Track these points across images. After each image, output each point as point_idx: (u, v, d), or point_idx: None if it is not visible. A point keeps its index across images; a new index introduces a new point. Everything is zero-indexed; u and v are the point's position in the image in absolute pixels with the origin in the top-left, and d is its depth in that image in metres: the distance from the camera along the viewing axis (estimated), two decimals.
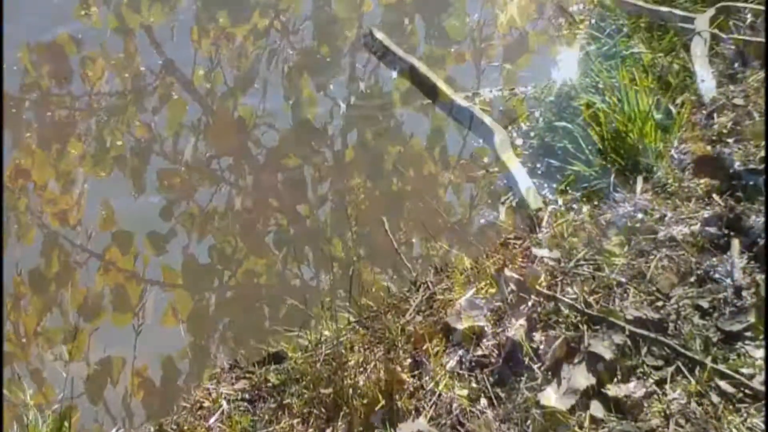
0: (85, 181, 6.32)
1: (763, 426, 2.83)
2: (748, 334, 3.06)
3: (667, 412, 2.96)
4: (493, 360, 3.35)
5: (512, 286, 3.56)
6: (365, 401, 3.48)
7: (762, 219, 3.54)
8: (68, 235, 5.99)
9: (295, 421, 3.63)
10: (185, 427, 3.94)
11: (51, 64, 7.40)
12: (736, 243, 3.44)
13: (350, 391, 3.48)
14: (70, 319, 5.26)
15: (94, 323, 5.31)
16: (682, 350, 3.02)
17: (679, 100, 5.78)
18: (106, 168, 6.45)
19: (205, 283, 6.73)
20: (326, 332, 4.12)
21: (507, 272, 3.59)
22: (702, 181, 4.02)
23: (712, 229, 3.54)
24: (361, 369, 3.54)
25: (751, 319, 3.09)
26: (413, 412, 3.37)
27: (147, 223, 6.09)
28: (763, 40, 5.12)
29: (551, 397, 3.10)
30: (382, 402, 3.43)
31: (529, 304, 3.48)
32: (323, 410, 3.60)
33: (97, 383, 4.88)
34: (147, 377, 5.28)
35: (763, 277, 3.27)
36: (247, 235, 7.24)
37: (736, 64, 5.15)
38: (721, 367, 2.95)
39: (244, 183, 7.53)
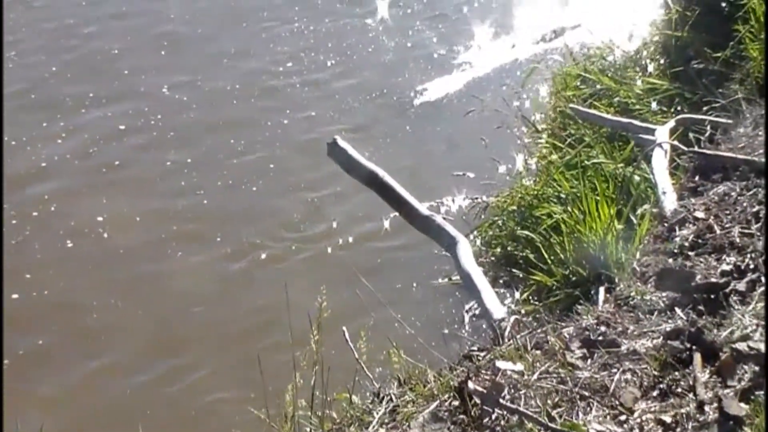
0: None
1: None
2: None
3: None
4: None
5: (476, 399, 3.54)
6: None
7: (724, 333, 3.55)
8: None
9: None
10: None
11: None
12: (698, 357, 3.45)
13: None
14: None
15: None
16: None
17: (640, 211, 5.83)
18: None
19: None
20: None
21: (470, 385, 3.57)
22: (664, 294, 4.03)
23: (675, 343, 3.54)
24: None
25: None
26: None
27: None
28: (723, 153, 5.19)
29: None
30: None
31: (493, 417, 3.46)
32: None
33: None
34: None
35: (724, 391, 3.28)
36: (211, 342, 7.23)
37: (696, 177, 5.21)
38: None
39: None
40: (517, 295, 6.57)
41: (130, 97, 10.33)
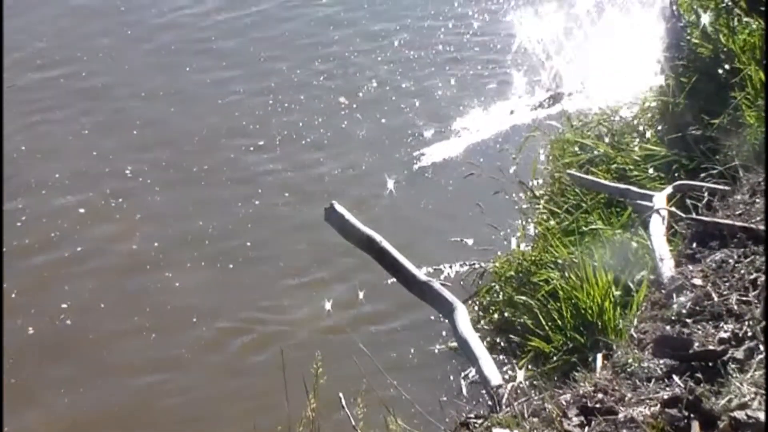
0: None
1: None
2: None
3: None
4: None
5: None
6: None
7: (722, 401, 3.53)
8: None
9: None
10: None
11: None
12: (696, 426, 3.42)
13: None
14: None
15: None
16: None
17: (637, 278, 5.82)
18: None
19: None
20: None
21: None
22: (662, 361, 4.01)
23: (673, 411, 3.52)
24: None
25: None
26: None
27: None
28: (721, 220, 5.19)
29: None
30: None
31: None
32: None
33: None
34: None
35: None
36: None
37: (694, 244, 5.20)
38: None
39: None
40: (515, 360, 6.54)
41: (98, 179, 9.92)
